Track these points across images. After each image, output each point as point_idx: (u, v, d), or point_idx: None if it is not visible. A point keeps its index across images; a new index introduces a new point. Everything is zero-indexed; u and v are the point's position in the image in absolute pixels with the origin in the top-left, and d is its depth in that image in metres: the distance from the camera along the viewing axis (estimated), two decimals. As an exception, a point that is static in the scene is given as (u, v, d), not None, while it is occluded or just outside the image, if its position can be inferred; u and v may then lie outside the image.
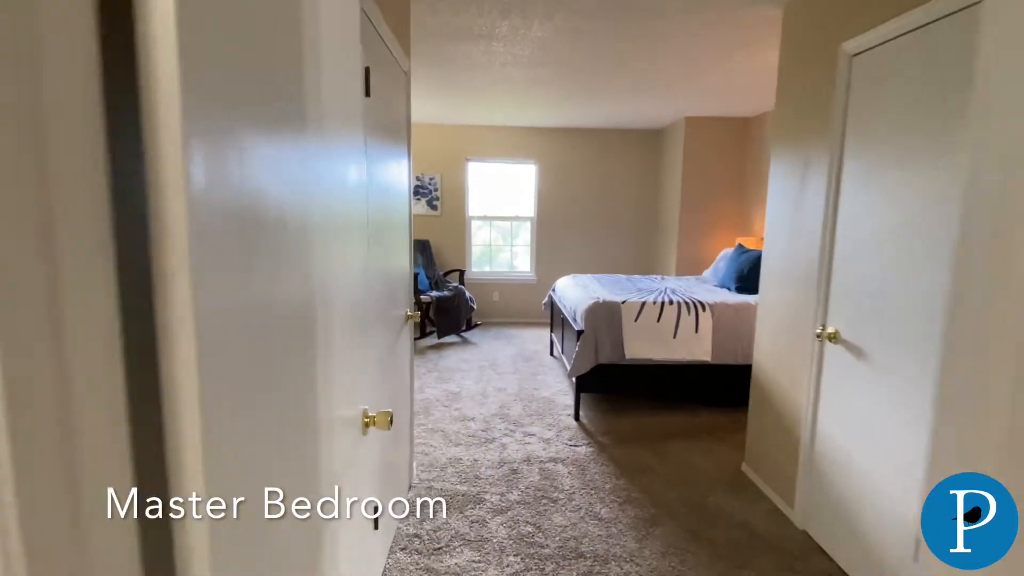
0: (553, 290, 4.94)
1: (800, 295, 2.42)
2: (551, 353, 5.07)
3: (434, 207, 6.37)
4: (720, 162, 5.52)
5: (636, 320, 3.45)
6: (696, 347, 3.46)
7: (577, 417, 3.51)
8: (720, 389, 3.61)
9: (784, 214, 2.60)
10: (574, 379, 3.48)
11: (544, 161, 6.34)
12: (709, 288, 4.23)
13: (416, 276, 5.34)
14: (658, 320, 3.46)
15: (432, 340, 5.51)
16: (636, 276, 4.89)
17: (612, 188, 6.41)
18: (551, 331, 5.08)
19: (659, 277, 4.87)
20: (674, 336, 3.45)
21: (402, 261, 2.37)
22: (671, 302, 3.54)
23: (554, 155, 6.33)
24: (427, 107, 5.15)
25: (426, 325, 5.46)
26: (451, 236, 6.42)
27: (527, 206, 6.50)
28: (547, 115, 5.50)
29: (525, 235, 6.60)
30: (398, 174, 2.25)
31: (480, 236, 6.60)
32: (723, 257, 4.77)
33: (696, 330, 3.46)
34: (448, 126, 6.20)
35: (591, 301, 3.55)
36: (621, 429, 3.38)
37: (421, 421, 3.44)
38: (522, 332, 5.98)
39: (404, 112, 2.36)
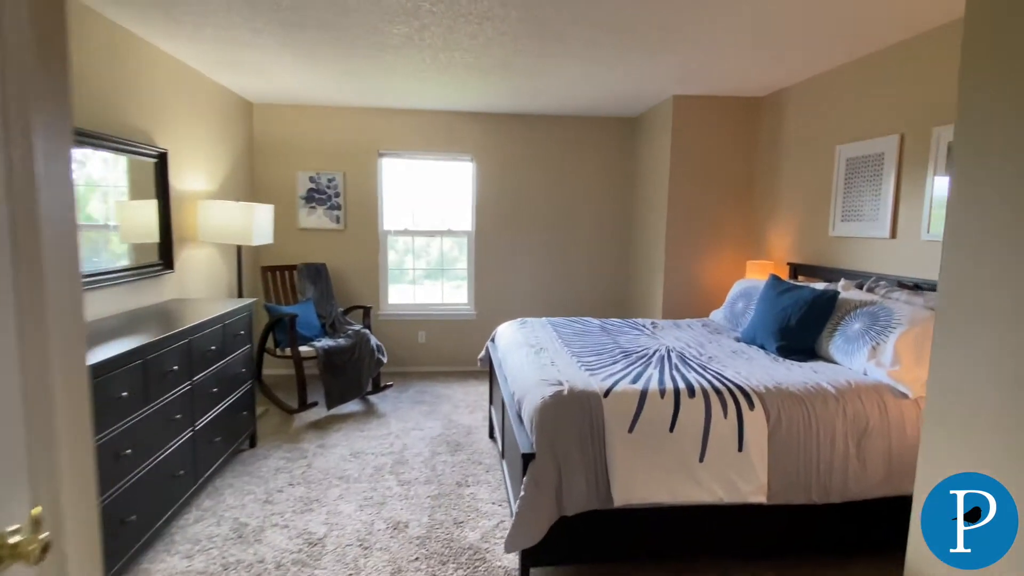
0: (492, 340, 3.32)
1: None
2: (490, 435, 3.43)
3: (336, 219, 4.66)
4: (720, 159, 4.06)
5: (631, 429, 1.86)
6: (741, 478, 1.89)
7: (525, 614, 1.87)
8: (774, 535, 2.06)
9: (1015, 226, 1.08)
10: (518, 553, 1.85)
11: (484, 157, 4.74)
12: (734, 347, 2.67)
13: (294, 319, 3.61)
14: (672, 428, 1.88)
15: (319, 413, 3.77)
16: (614, 321, 3.31)
17: (574, 194, 4.86)
18: (490, 401, 3.45)
19: (649, 323, 3.29)
20: (701, 459, 1.87)
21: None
22: (690, 389, 1.96)
23: (497, 150, 4.74)
24: (326, 83, 3.46)
25: (307, 392, 3.70)
26: (359, 258, 4.72)
27: (463, 217, 4.87)
28: (486, 94, 3.91)
29: (461, 256, 4.97)
30: None
31: (400, 257, 4.93)
32: (743, 294, 3.25)
33: (740, 446, 1.89)
34: (353, 109, 4.53)
35: (550, 390, 1.93)
36: (607, 640, 1.77)
37: (216, 643, 1.73)
38: (454, 390, 4.32)
39: None
